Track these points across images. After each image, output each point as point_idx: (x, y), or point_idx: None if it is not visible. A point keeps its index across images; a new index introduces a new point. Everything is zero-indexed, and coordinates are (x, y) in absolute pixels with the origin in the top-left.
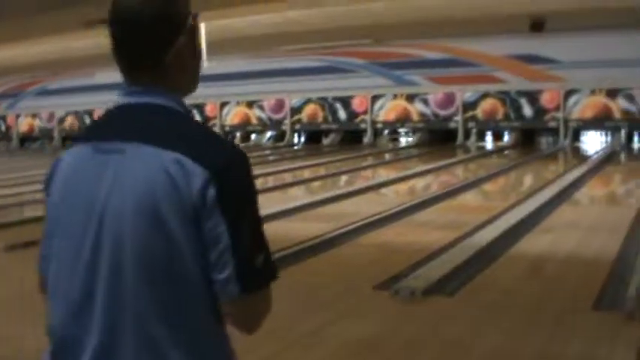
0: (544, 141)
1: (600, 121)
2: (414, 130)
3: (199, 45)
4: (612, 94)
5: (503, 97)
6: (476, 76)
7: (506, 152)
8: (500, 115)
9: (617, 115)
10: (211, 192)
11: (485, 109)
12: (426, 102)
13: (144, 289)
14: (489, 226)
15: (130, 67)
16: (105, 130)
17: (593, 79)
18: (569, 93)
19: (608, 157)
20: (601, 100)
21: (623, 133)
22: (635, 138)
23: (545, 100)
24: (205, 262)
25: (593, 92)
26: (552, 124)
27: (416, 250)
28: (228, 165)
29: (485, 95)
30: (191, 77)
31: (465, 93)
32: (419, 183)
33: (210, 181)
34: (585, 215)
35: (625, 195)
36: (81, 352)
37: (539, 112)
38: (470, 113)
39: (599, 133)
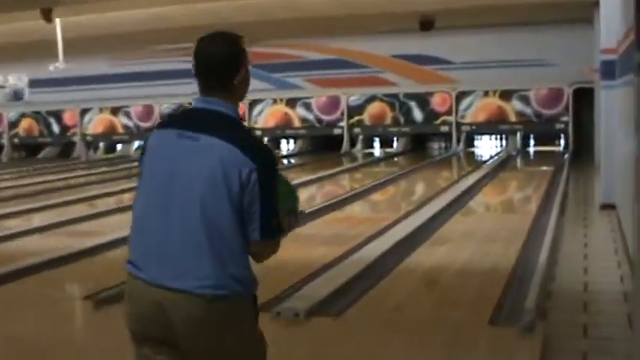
0: (436, 147)
1: (494, 125)
2: (296, 138)
3: (249, 70)
4: (506, 95)
5: (392, 100)
6: (362, 79)
7: (395, 159)
8: (388, 119)
9: (511, 117)
10: (254, 176)
11: (372, 114)
12: (308, 107)
13: (201, 227)
14: (379, 238)
15: (206, 87)
16: (185, 123)
17: (487, 80)
18: (461, 95)
19: (504, 163)
20: (495, 102)
21: (518, 136)
22: (531, 142)
23: (436, 103)
24: (240, 217)
25: (486, 94)
26: (444, 128)
27: (299, 267)
28: (265, 159)
29: (372, 99)
30: (243, 92)
31: (350, 96)
32: (302, 194)
33: (255, 169)
34: (481, 224)
35: (522, 202)
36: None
37: (430, 116)
38: (356, 118)
39: (493, 137)
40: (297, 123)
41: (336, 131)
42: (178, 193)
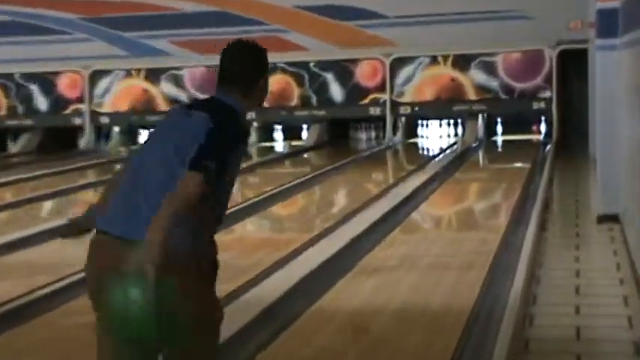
0: (363, 137)
1: (446, 105)
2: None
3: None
4: (463, 63)
5: (299, 71)
6: (255, 40)
7: (305, 156)
8: (294, 99)
9: (470, 94)
10: (207, 125)
11: (271, 92)
12: (178, 81)
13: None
14: (281, 270)
15: (227, 83)
16: (195, 105)
17: (434, 41)
18: (398, 63)
19: (460, 159)
20: (446, 72)
21: (480, 121)
22: (499, 128)
23: (363, 74)
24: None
25: (434, 61)
26: (375, 110)
27: None
28: (223, 117)
29: (270, 70)
30: (258, 102)
31: None
32: None
33: (210, 120)
34: (428, 246)
35: (486, 214)
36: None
37: (355, 93)
38: None
39: (445, 122)
40: (161, 105)
41: None
42: (152, 162)
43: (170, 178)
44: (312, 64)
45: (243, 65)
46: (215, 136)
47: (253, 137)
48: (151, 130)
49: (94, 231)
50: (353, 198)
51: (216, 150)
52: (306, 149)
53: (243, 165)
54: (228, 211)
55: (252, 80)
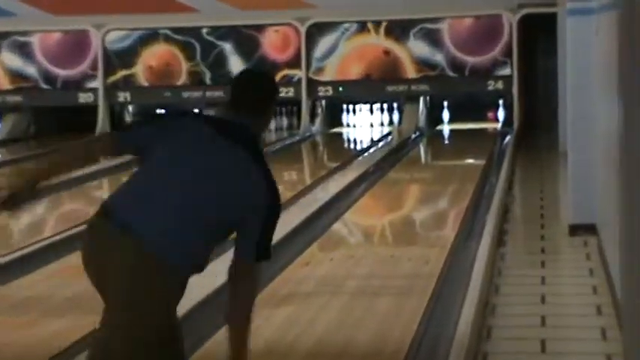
0: (272, 126)
1: (378, 86)
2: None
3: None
4: (398, 31)
5: (188, 39)
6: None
7: None
8: (182, 76)
9: (408, 71)
10: (267, 210)
11: (152, 66)
12: (27, 52)
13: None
14: None
15: (242, 110)
16: (222, 129)
17: (362, 2)
18: (316, 31)
19: (396, 153)
20: (378, 43)
21: (421, 105)
22: (445, 114)
23: (271, 45)
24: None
25: (362, 29)
26: (284, 91)
27: None
28: (278, 201)
29: (151, 37)
30: (266, 126)
31: (108, 33)
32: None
33: (271, 206)
34: (353, 267)
35: (428, 225)
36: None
37: (255, 68)
38: (120, 74)
39: (376, 107)
40: (4, 83)
41: (83, 98)
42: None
43: (206, 226)
44: (205, 31)
45: (263, 92)
46: (276, 218)
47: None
48: (167, 126)
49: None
50: None
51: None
52: None
53: (112, 163)
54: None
55: (265, 108)
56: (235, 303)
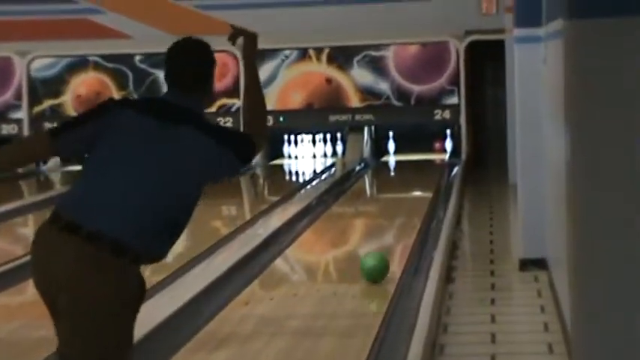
0: None
1: (320, 115)
2: None
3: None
4: (342, 58)
5: (119, 67)
6: (57, 24)
7: None
8: None
9: (353, 100)
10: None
11: (81, 94)
12: None
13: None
14: None
15: (180, 87)
16: (164, 114)
17: (303, 28)
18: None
19: (340, 186)
20: (320, 71)
21: (366, 136)
22: (391, 145)
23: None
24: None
25: (303, 56)
26: (221, 121)
27: None
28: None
29: (79, 64)
30: (210, 102)
31: (33, 60)
32: None
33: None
34: (295, 307)
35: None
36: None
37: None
38: (46, 104)
39: (318, 138)
40: None
41: (7, 130)
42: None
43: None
44: (137, 59)
45: (200, 64)
46: (228, 134)
47: (55, 159)
48: (116, 130)
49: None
50: (194, 241)
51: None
52: None
53: (39, 197)
54: None
55: (207, 79)
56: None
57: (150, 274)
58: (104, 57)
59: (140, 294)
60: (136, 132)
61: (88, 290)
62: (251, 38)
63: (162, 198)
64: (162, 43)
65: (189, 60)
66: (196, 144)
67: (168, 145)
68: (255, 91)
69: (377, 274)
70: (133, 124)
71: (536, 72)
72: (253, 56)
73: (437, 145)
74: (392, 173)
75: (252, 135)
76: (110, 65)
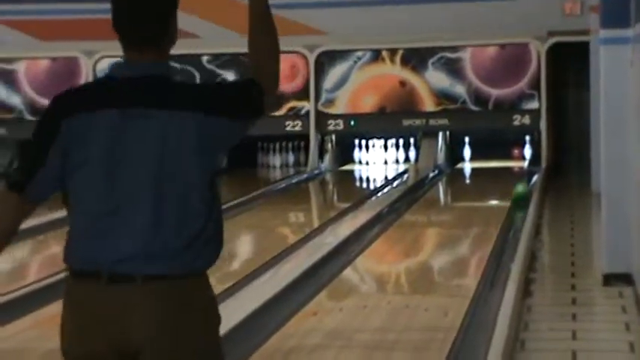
0: (277, 163)
1: (393, 119)
2: None
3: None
4: (416, 60)
5: (187, 68)
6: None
7: None
8: None
9: (427, 104)
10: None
11: None
12: (12, 82)
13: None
14: None
15: (135, 42)
16: (124, 98)
17: (377, 29)
18: (325, 59)
19: (413, 193)
20: (393, 73)
21: (440, 141)
22: (467, 151)
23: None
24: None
25: (376, 57)
26: (290, 125)
27: None
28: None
29: None
30: (173, 42)
31: (100, 59)
32: None
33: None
34: (365, 319)
35: (448, 272)
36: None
37: None
38: None
39: (390, 143)
40: None
41: None
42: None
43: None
44: (205, 59)
45: (156, 10)
46: (231, 87)
47: None
48: (78, 146)
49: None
50: (261, 248)
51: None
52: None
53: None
54: None
55: (167, 27)
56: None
57: (215, 282)
58: (171, 57)
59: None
60: (103, 140)
61: (183, 338)
62: None
63: (171, 202)
64: (229, 44)
65: (139, 8)
66: (185, 126)
67: (149, 140)
68: (264, 26)
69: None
70: (94, 130)
71: (623, 75)
72: None
73: (515, 151)
74: (467, 181)
75: (260, 81)
76: (178, 66)
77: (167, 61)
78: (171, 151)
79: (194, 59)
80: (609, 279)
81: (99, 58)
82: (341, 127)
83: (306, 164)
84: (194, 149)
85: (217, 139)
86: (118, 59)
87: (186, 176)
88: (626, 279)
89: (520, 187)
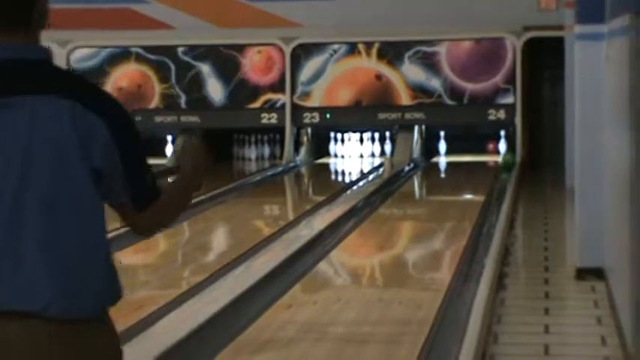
0: (252, 155)
1: (369, 113)
2: None
3: None
4: (392, 54)
5: (160, 59)
6: (98, 14)
7: (170, 180)
8: (154, 98)
9: (403, 98)
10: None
11: (122, 87)
12: None
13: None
14: (130, 344)
15: (12, 22)
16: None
17: (353, 22)
18: (302, 52)
19: (388, 187)
20: (369, 67)
21: (416, 135)
22: (442, 145)
23: (253, 67)
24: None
25: (353, 51)
26: (266, 117)
27: None
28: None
29: (121, 56)
30: (43, 27)
31: (74, 50)
32: None
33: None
34: (339, 312)
35: (422, 266)
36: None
37: (242, 92)
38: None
39: (366, 136)
40: None
41: None
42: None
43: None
44: (180, 50)
45: None
46: (130, 134)
47: None
48: None
49: None
50: (236, 240)
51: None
52: (170, 171)
53: None
54: None
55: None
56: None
57: (188, 274)
58: (146, 48)
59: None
60: None
61: None
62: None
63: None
64: (205, 35)
65: None
66: (60, 120)
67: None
68: (184, 195)
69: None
70: None
71: (598, 71)
72: (193, 174)
73: (490, 146)
74: (442, 175)
75: (161, 201)
76: (152, 57)
77: (37, 36)
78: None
79: (169, 50)
80: (582, 273)
81: (73, 48)
82: (317, 120)
83: (281, 157)
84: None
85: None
86: (93, 49)
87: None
88: (598, 273)
89: (508, 156)
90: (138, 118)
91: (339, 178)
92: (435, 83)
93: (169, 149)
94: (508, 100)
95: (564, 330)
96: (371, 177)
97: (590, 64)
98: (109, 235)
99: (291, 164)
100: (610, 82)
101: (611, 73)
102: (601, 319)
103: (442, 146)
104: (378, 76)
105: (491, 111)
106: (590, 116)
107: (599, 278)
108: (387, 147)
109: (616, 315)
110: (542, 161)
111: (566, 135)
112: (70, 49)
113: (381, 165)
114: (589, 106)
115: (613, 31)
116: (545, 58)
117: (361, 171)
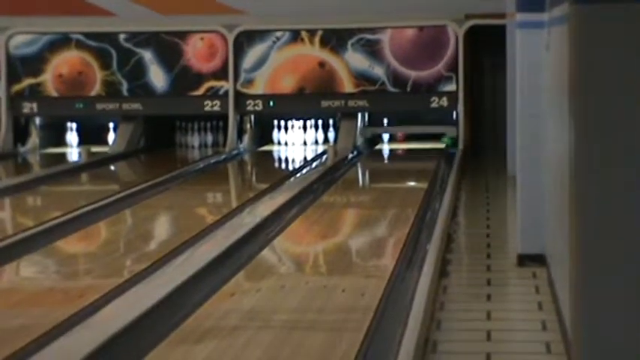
0: (195, 143)
1: (312, 100)
2: None
3: None
4: (335, 41)
5: (102, 46)
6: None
7: (111, 168)
8: (95, 85)
9: (346, 85)
10: None
11: (61, 74)
12: None
13: None
14: (71, 333)
15: None
16: None
17: (296, 9)
18: (245, 39)
19: (331, 174)
20: (310, 54)
21: (359, 123)
22: (385, 133)
23: (196, 54)
24: None
25: (296, 38)
26: (209, 105)
27: None
28: None
29: (60, 42)
30: None
31: (12, 37)
32: None
33: None
34: (282, 299)
35: (365, 253)
36: None
37: (184, 80)
38: (26, 82)
39: (310, 124)
40: None
41: None
42: None
43: None
44: (122, 37)
45: None
46: None
47: (34, 140)
48: None
49: None
50: (178, 229)
51: None
52: (112, 158)
53: (17, 180)
54: None
55: None
56: None
57: (130, 263)
58: (87, 35)
59: None
60: None
61: None
62: None
63: None
64: (147, 22)
65: None
66: None
67: None
68: None
69: None
70: None
71: (539, 59)
72: None
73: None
74: (385, 162)
75: None
76: (94, 44)
77: None
78: None
79: (110, 37)
80: (523, 260)
81: (12, 34)
82: (260, 107)
83: (224, 145)
84: None
85: None
86: (33, 35)
87: None
88: (539, 260)
89: (447, 140)
90: (79, 105)
91: (283, 166)
92: (379, 71)
93: (111, 137)
94: (450, 87)
95: (506, 316)
96: (314, 164)
97: (531, 53)
98: (50, 224)
99: (235, 152)
100: (550, 70)
101: (551, 61)
102: (542, 304)
103: (386, 134)
104: (322, 64)
105: (434, 98)
106: (530, 105)
107: (541, 264)
108: (331, 134)
109: (556, 300)
110: (485, 149)
111: (507, 123)
112: (9, 35)
113: (324, 152)
114: (529, 94)
115: (553, 19)
116: (487, 46)
117: (305, 158)
